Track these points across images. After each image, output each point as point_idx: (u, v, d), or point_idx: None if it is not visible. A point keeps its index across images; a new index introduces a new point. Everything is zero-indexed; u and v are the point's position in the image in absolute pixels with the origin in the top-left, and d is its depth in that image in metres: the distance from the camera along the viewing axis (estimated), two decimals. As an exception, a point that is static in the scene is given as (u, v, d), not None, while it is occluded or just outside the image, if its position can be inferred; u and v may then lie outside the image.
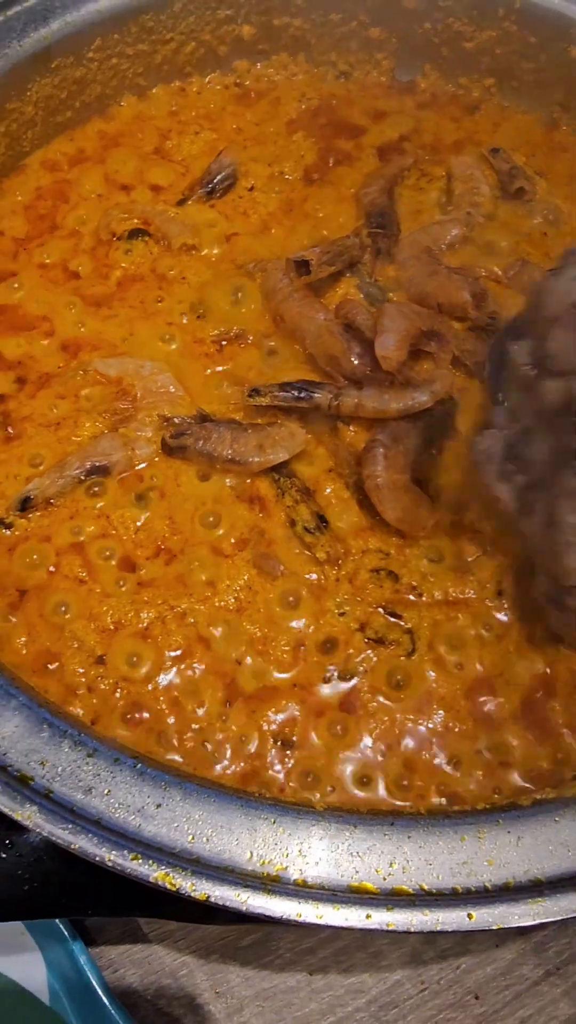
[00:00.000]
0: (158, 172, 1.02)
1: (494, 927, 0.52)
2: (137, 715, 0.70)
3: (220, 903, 0.52)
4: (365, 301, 0.90)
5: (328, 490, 0.79)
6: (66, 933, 0.77)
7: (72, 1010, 0.77)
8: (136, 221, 0.96)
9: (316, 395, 0.80)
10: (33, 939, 0.79)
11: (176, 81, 1.09)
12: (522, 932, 0.83)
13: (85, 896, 0.62)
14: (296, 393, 0.79)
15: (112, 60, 1.03)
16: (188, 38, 1.06)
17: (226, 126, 1.07)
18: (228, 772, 0.68)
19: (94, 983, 0.75)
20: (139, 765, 0.58)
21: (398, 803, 0.67)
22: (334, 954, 0.81)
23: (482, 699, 0.72)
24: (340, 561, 0.75)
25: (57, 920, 0.77)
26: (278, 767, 0.68)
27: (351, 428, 0.82)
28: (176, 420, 0.81)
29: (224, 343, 0.87)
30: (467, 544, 0.77)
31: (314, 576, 0.75)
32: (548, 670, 0.73)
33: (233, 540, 0.76)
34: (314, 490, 0.79)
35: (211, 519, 0.77)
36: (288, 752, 0.69)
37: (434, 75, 1.11)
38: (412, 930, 0.52)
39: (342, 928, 0.52)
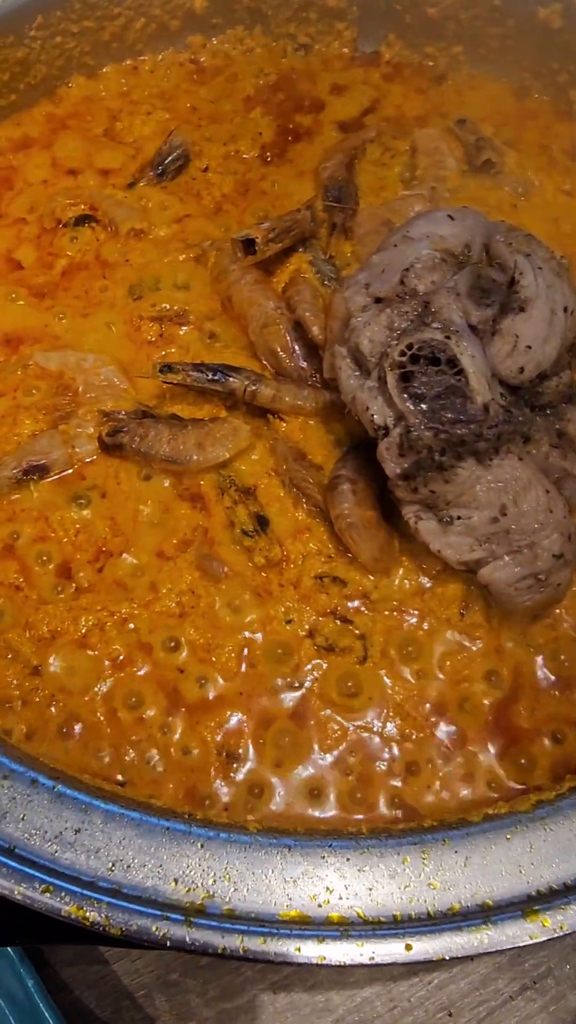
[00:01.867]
0: (107, 155, 0.97)
1: (433, 959, 0.47)
2: (74, 728, 0.66)
3: (137, 938, 0.48)
4: (317, 279, 0.85)
5: (267, 487, 0.75)
6: (15, 957, 0.73)
7: (23, 1035, 0.74)
8: (83, 207, 0.92)
9: (232, 380, 0.75)
10: (-18, 962, 0.76)
11: (127, 59, 1.05)
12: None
13: (11, 925, 0.58)
14: (210, 375, 0.75)
15: (56, 39, 0.98)
16: (137, 13, 1.01)
17: (180, 105, 1.02)
18: (169, 788, 0.64)
19: (43, 1009, 0.72)
20: (59, 787, 0.55)
21: (350, 817, 0.63)
22: (298, 971, 0.77)
23: (442, 705, 0.67)
24: (281, 566, 0.71)
25: (5, 942, 0.74)
26: (222, 781, 0.64)
27: (284, 421, 0.77)
28: (117, 416, 0.76)
29: (163, 322, 0.83)
30: (429, 559, 0.71)
31: (259, 579, 0.71)
32: (514, 672, 0.69)
33: (176, 541, 0.72)
34: (255, 487, 0.74)
35: (153, 519, 0.73)
36: (234, 765, 0.65)
37: (398, 45, 1.05)
38: (346, 963, 0.48)
39: (269, 963, 0.48)
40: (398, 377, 0.65)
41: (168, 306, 0.85)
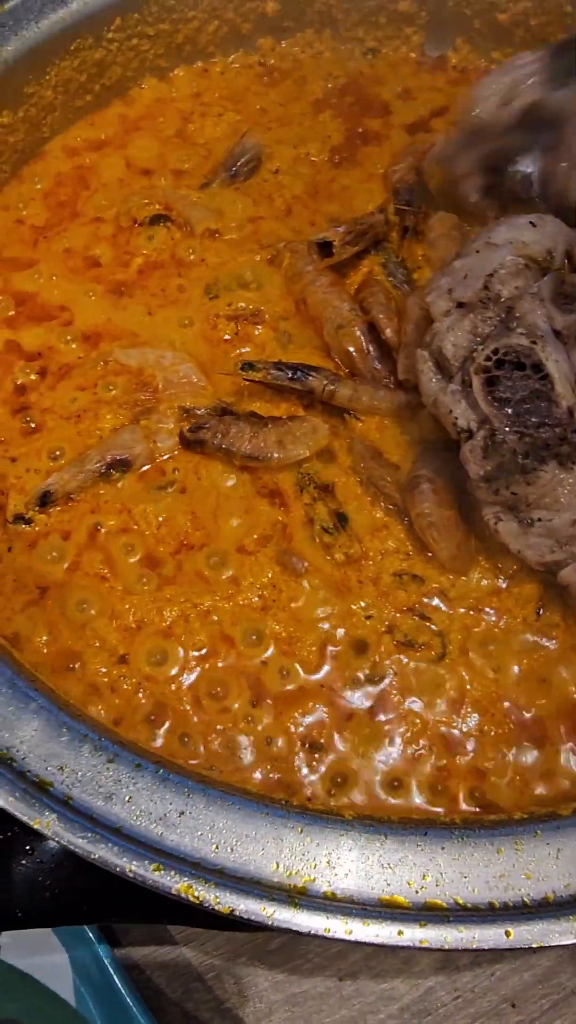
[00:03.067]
0: (180, 156, 0.99)
1: (533, 946, 0.49)
2: (161, 716, 0.68)
3: (245, 917, 0.50)
4: (389, 282, 0.87)
5: (345, 485, 0.77)
6: (91, 935, 0.76)
7: (98, 1013, 0.76)
8: (157, 207, 0.94)
9: (311, 378, 0.77)
10: (59, 941, 0.78)
11: (198, 62, 1.06)
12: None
13: (108, 903, 0.60)
14: (290, 373, 0.77)
15: (132, 41, 1.00)
16: (210, 16, 1.03)
17: (250, 107, 1.04)
18: (254, 776, 0.66)
19: (119, 986, 0.74)
20: (161, 771, 0.56)
21: (431, 809, 0.65)
22: (364, 959, 0.79)
23: (521, 702, 0.69)
24: (360, 562, 0.73)
25: (82, 921, 0.76)
26: (306, 771, 0.66)
27: (361, 420, 0.79)
28: (197, 412, 0.78)
29: (238, 321, 0.85)
30: (504, 559, 0.73)
31: (338, 575, 0.72)
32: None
33: (256, 536, 0.74)
34: (333, 485, 0.76)
35: (233, 515, 0.75)
36: (316, 756, 0.67)
37: (466, 49, 1.07)
38: (447, 947, 0.49)
39: (372, 945, 0.50)
40: (484, 381, 0.67)
41: (244, 306, 0.87)
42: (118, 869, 0.51)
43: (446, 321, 0.71)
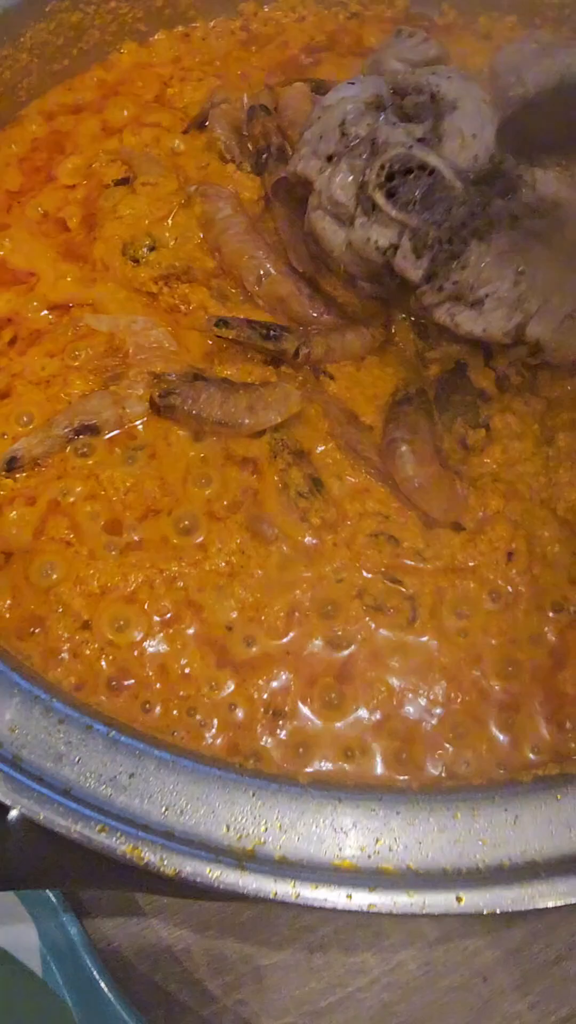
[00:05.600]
0: (157, 119, 0.97)
1: (484, 912, 0.48)
2: (123, 681, 0.67)
3: (191, 879, 0.49)
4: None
5: (321, 449, 0.75)
6: (59, 906, 0.75)
7: (65, 984, 0.75)
8: (123, 166, 0.92)
9: (286, 337, 0.76)
10: (26, 911, 0.77)
11: (179, 26, 1.05)
12: (534, 912, 0.79)
13: (63, 868, 0.59)
14: (265, 332, 0.76)
15: (111, 4, 0.98)
16: (190, -21, 1.01)
17: (231, 72, 1.02)
18: (216, 743, 0.65)
19: (86, 957, 0.73)
20: (112, 733, 0.55)
21: (396, 776, 0.63)
22: (335, 932, 0.78)
23: (489, 668, 0.67)
24: (336, 526, 0.71)
25: (49, 891, 0.75)
26: (268, 738, 0.65)
27: (333, 379, 0.77)
28: (168, 377, 0.77)
29: (167, 284, 0.83)
30: (475, 499, 0.72)
31: (309, 540, 0.71)
32: (559, 639, 0.69)
33: (226, 502, 0.73)
34: (308, 451, 0.74)
35: (203, 480, 0.74)
36: (279, 722, 0.66)
37: (452, 13, 1.05)
38: (395, 912, 0.48)
39: (320, 908, 0.49)
40: (385, 193, 0.69)
41: (166, 267, 0.84)
42: (62, 829, 0.50)
43: (324, 174, 0.73)
